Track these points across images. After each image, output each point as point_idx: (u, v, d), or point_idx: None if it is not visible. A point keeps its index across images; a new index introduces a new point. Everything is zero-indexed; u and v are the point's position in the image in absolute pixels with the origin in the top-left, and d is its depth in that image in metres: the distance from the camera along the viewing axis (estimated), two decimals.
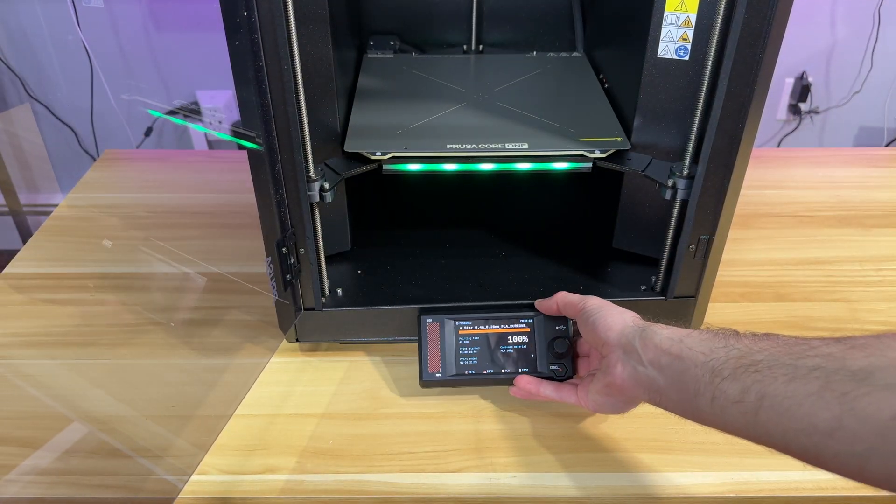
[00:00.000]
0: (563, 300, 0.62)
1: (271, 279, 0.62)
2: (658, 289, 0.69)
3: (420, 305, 0.67)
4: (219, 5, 0.49)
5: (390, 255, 0.75)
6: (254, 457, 0.61)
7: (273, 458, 0.60)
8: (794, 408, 0.38)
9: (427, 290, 0.70)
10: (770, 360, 0.40)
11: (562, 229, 0.81)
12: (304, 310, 0.67)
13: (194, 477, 0.59)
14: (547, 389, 0.61)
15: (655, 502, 0.58)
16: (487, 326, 0.65)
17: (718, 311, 0.76)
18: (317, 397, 0.66)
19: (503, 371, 0.64)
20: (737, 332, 0.45)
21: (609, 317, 0.55)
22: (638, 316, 0.55)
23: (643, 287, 0.70)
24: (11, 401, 0.66)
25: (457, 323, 0.65)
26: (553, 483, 0.59)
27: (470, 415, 0.65)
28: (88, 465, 0.59)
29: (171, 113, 1.82)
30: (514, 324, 0.65)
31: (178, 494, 0.57)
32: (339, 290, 0.69)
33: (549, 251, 0.75)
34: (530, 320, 0.65)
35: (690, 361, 0.45)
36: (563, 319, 0.65)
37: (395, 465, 0.60)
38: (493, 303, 0.67)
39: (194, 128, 1.84)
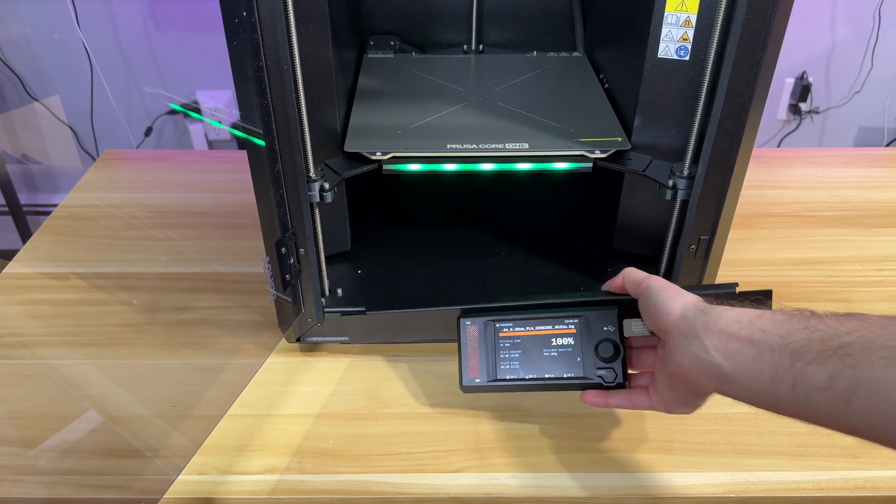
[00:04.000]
0: (630, 277, 0.55)
1: (269, 279, 0.62)
2: None
3: (424, 309, 0.67)
4: (219, 5, 0.49)
5: (390, 255, 0.75)
6: (253, 456, 0.61)
7: (273, 458, 0.60)
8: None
9: (427, 290, 0.70)
10: (863, 343, 0.37)
11: (562, 229, 0.81)
12: (304, 311, 0.66)
13: (193, 476, 0.59)
14: (616, 399, 0.56)
15: (655, 502, 0.58)
16: (530, 328, 0.61)
17: None
18: (316, 397, 0.66)
19: (546, 376, 0.59)
20: (815, 313, 0.41)
21: (670, 299, 0.49)
22: (700, 299, 0.49)
23: None
24: (11, 401, 0.66)
25: (497, 325, 0.62)
26: (553, 483, 0.59)
27: (470, 415, 0.65)
28: (87, 465, 0.59)
29: (189, 107, 1.83)
30: (559, 325, 0.61)
31: (166, 493, 0.57)
32: (339, 290, 0.69)
33: (549, 251, 0.75)
34: (576, 321, 0.60)
35: (765, 345, 0.41)
36: (611, 320, 0.59)
37: (395, 465, 0.60)
38: (494, 303, 0.67)
39: (210, 122, 1.84)
